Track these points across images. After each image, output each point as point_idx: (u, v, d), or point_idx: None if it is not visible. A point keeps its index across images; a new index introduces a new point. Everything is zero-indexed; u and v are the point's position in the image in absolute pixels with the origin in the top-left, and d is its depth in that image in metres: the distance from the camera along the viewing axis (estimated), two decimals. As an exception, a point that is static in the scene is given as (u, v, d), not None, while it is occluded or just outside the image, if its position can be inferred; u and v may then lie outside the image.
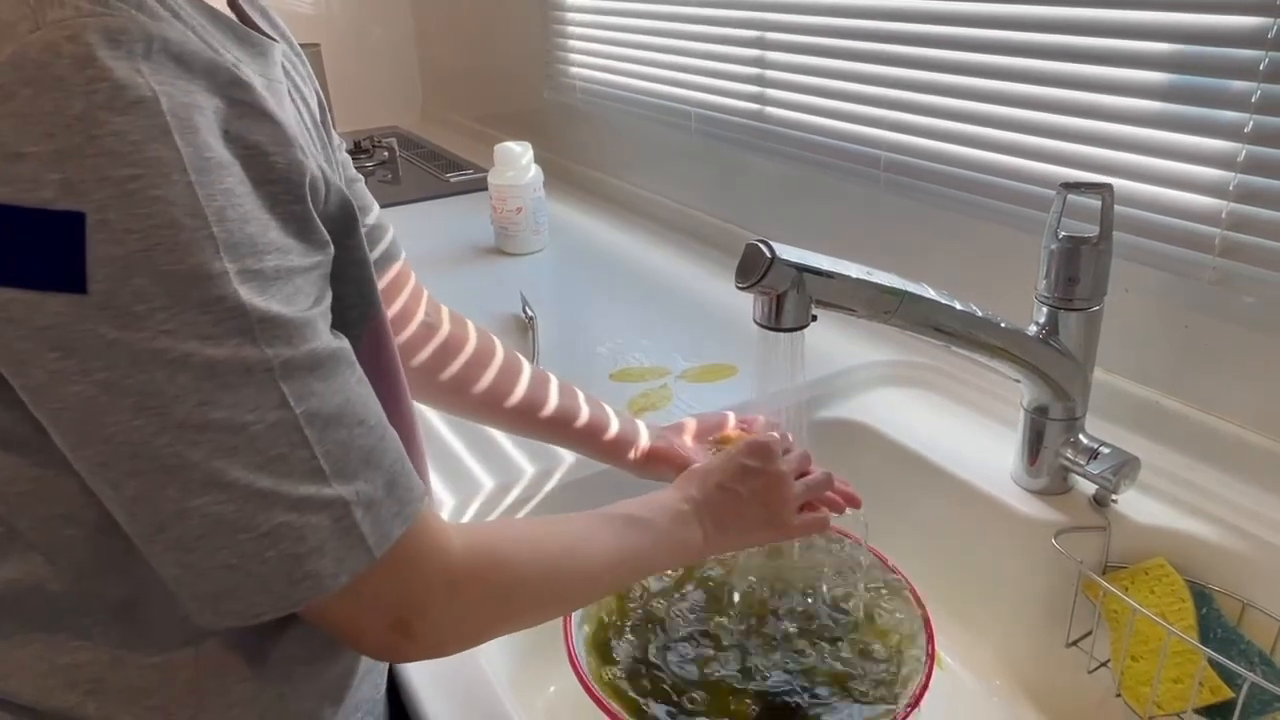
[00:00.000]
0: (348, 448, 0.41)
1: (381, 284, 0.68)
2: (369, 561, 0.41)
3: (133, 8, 0.36)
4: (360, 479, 0.41)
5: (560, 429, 0.74)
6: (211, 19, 0.42)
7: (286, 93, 0.49)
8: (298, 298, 0.40)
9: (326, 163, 0.54)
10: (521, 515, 0.79)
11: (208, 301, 0.36)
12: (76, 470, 0.39)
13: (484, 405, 0.74)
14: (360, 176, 0.67)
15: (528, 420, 0.74)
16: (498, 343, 0.76)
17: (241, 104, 0.39)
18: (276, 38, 0.50)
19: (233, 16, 0.45)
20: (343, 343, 0.43)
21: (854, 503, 0.71)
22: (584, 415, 0.74)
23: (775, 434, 0.67)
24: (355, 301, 0.47)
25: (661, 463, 0.74)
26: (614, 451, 0.74)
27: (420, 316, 0.72)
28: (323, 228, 0.43)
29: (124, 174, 0.35)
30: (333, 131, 0.59)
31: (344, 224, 0.46)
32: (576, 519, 0.56)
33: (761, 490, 0.62)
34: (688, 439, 0.77)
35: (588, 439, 0.74)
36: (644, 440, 0.75)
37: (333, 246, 0.44)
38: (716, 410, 0.84)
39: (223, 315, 0.37)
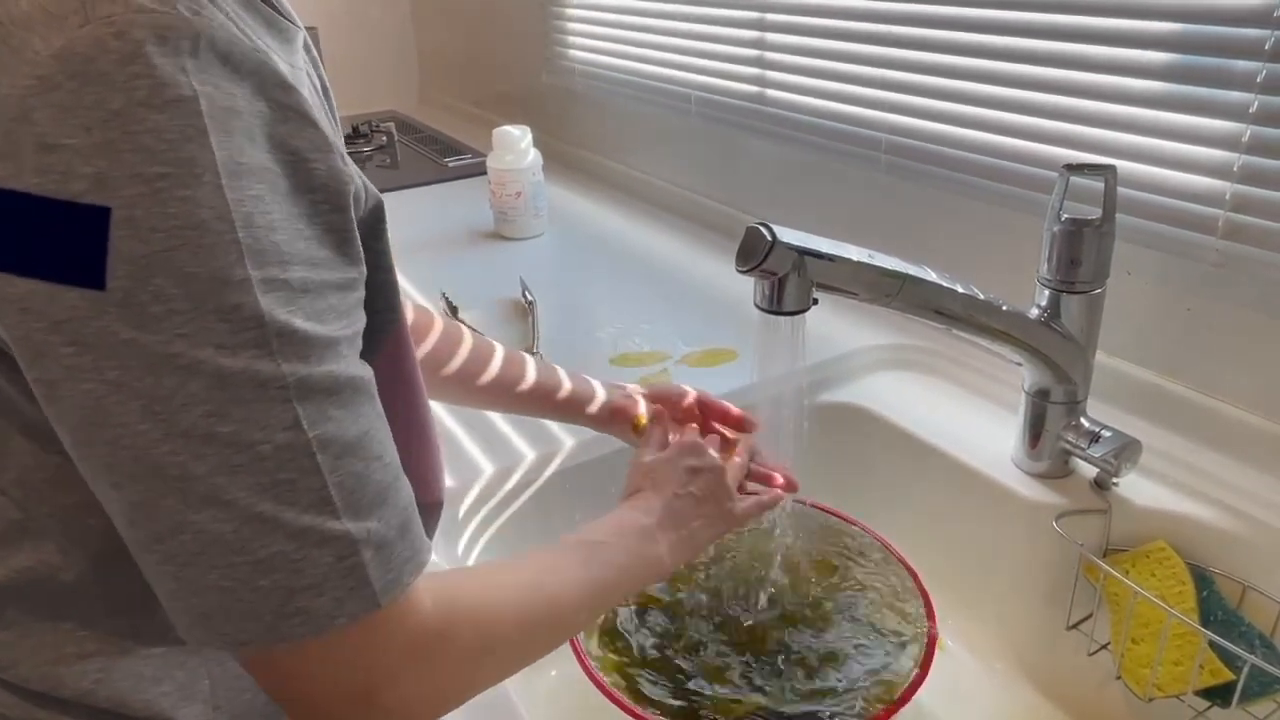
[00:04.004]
0: (363, 481, 0.39)
1: None
2: (372, 608, 0.39)
3: (180, 1, 0.35)
4: (374, 517, 0.39)
5: (505, 395, 0.74)
6: (245, 5, 0.41)
7: (307, 78, 0.48)
8: (326, 315, 0.39)
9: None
10: (522, 500, 0.79)
11: (226, 309, 0.35)
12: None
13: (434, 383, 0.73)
14: (360, 171, 0.67)
15: (468, 390, 0.74)
16: (434, 313, 0.76)
17: (286, 108, 0.38)
18: (300, 23, 0.50)
19: (262, 2, 0.44)
20: (367, 373, 0.41)
21: (791, 486, 0.70)
22: (529, 379, 0.74)
23: (694, 427, 0.68)
24: (381, 307, 0.46)
25: (621, 421, 0.74)
26: (570, 409, 0.74)
27: None
28: (359, 243, 0.41)
29: (155, 171, 0.34)
30: (336, 118, 0.59)
31: (374, 227, 0.45)
32: (544, 559, 0.53)
33: (709, 488, 0.62)
34: (638, 396, 0.76)
35: (538, 401, 0.74)
36: (600, 396, 0.74)
37: (364, 266, 0.42)
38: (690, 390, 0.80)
39: (240, 324, 0.36)
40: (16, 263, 0.35)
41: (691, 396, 0.75)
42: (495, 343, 0.76)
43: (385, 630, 0.40)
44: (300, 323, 0.37)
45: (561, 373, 0.75)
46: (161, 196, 0.34)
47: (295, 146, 0.38)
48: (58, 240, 0.34)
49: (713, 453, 0.64)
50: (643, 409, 0.74)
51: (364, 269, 0.42)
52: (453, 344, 0.74)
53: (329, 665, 0.40)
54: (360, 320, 0.42)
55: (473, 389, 0.74)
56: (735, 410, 0.75)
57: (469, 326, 0.78)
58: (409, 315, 0.73)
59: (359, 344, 0.42)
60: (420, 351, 0.72)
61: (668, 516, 0.60)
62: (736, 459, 0.67)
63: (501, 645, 0.47)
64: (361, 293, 0.42)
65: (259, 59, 0.37)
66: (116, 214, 0.34)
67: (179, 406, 0.36)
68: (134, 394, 0.35)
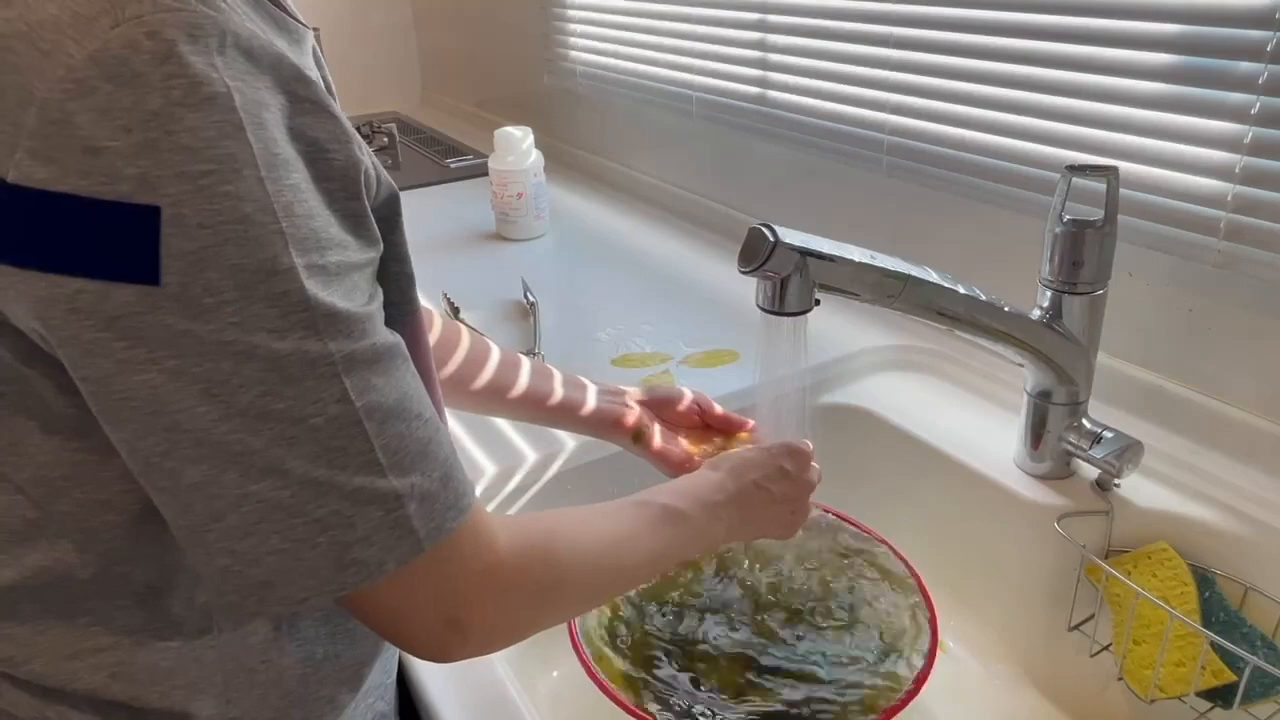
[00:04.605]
0: (405, 440, 0.41)
1: None
2: (417, 552, 0.42)
3: (199, 1, 0.36)
4: (416, 472, 0.42)
5: (496, 400, 0.74)
6: (255, 6, 0.42)
7: (317, 79, 0.49)
8: (355, 293, 0.41)
9: None
10: (523, 502, 0.79)
11: (275, 296, 0.37)
12: (125, 461, 0.40)
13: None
14: (377, 162, 0.67)
15: (462, 394, 0.74)
16: (435, 314, 0.76)
17: (304, 100, 0.39)
18: (308, 25, 0.50)
19: (271, 3, 0.45)
20: (397, 338, 0.43)
21: None
22: (521, 385, 0.74)
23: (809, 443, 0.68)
24: (396, 299, 0.47)
25: (611, 428, 0.74)
26: (562, 415, 0.74)
27: None
28: (374, 225, 0.43)
29: (198, 169, 0.35)
30: None
31: (389, 219, 0.46)
32: (618, 512, 0.56)
33: (791, 496, 0.64)
34: (633, 402, 0.76)
35: (529, 407, 0.74)
36: (591, 403, 0.74)
37: (382, 243, 0.44)
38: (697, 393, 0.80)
39: (289, 309, 0.37)
40: (64, 263, 0.36)
41: (689, 399, 0.75)
42: (493, 345, 0.76)
43: (457, 565, 0.44)
44: (341, 302, 0.39)
45: (557, 378, 0.75)
46: (206, 193, 0.36)
47: (314, 137, 0.39)
48: (108, 239, 0.35)
49: (814, 471, 0.66)
50: (633, 417, 0.74)
51: (380, 248, 0.44)
52: (450, 346, 0.74)
53: (411, 598, 0.43)
54: (380, 293, 0.44)
55: (466, 393, 0.74)
56: (735, 417, 0.75)
57: (470, 327, 0.78)
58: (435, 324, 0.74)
59: (383, 313, 0.44)
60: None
61: (738, 498, 0.61)
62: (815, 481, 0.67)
63: (569, 586, 0.51)
64: (376, 267, 0.44)
65: (276, 52, 0.38)
66: (166, 212, 0.35)
67: (237, 388, 0.37)
68: (193, 379, 0.37)
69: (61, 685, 0.47)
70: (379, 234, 0.44)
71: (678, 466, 0.72)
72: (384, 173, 0.46)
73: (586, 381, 0.76)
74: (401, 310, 0.48)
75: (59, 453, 0.42)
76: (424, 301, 0.78)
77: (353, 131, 0.41)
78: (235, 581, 0.40)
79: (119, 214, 0.35)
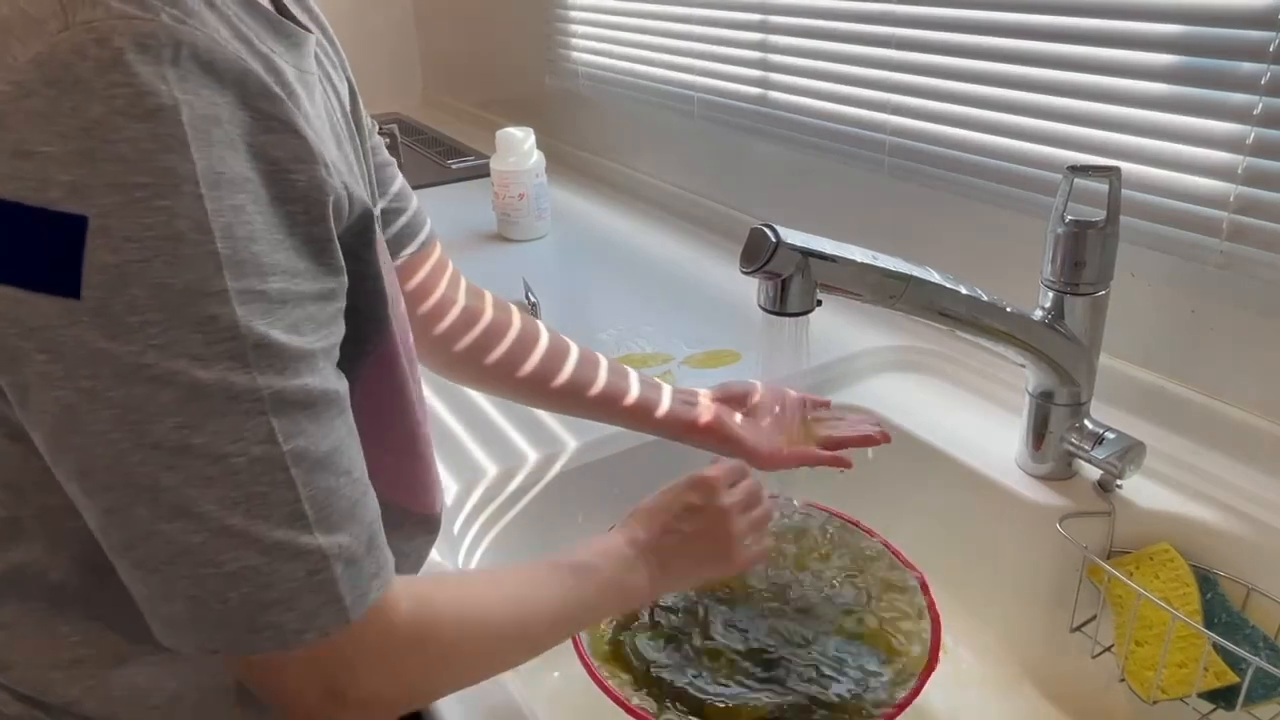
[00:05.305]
0: (334, 495, 0.39)
1: (400, 260, 0.67)
2: (342, 623, 0.39)
3: (164, 7, 0.35)
4: (344, 531, 0.39)
5: (574, 399, 0.73)
6: (248, 9, 0.41)
7: (318, 82, 0.48)
8: (304, 326, 0.39)
9: (355, 158, 0.53)
10: (525, 502, 0.79)
11: (202, 320, 0.35)
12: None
13: (495, 375, 0.73)
14: (392, 160, 0.66)
15: (539, 391, 0.73)
16: (515, 312, 0.75)
17: (269, 117, 0.37)
18: (311, 27, 0.49)
19: (268, 6, 0.44)
20: (341, 386, 0.41)
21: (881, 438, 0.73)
22: (600, 383, 0.73)
23: (732, 464, 0.65)
24: (369, 316, 0.46)
25: (685, 430, 0.73)
26: (636, 417, 0.73)
27: (441, 291, 0.72)
28: (340, 253, 0.41)
29: (132, 181, 0.34)
30: (364, 117, 0.58)
31: (362, 235, 0.45)
32: (523, 573, 0.53)
33: (707, 528, 0.60)
34: (706, 401, 0.74)
35: (604, 407, 0.73)
36: (665, 404, 0.73)
37: (346, 275, 0.42)
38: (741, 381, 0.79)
39: (215, 335, 0.35)
40: None
41: (759, 391, 0.74)
42: (572, 343, 0.75)
43: (356, 636, 0.41)
44: (278, 334, 0.37)
45: (633, 377, 0.74)
46: (139, 207, 0.34)
47: (276, 157, 0.38)
48: (33, 247, 0.34)
49: (727, 495, 0.62)
50: (708, 415, 0.72)
51: (344, 279, 0.42)
52: (528, 346, 0.73)
53: (301, 669, 0.41)
54: (339, 331, 0.42)
55: (546, 391, 0.73)
56: (814, 397, 0.74)
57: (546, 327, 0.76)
58: (488, 310, 0.73)
59: (335, 355, 0.42)
60: (495, 353, 0.72)
61: (650, 547, 0.58)
62: (757, 508, 0.64)
63: (471, 654, 0.48)
64: (342, 303, 0.42)
65: (242, 67, 0.37)
66: (93, 223, 0.34)
67: (150, 416, 0.35)
68: (106, 403, 0.35)
69: (38, 695, 0.46)
70: (343, 264, 0.42)
71: (768, 460, 0.71)
72: (357, 191, 0.44)
73: (661, 383, 0.75)
74: (374, 328, 0.47)
75: (25, 458, 0.41)
76: (482, 286, 0.77)
77: (321, 152, 0.39)
78: (151, 609, 0.39)
79: (45, 221, 0.34)
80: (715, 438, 0.72)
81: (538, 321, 0.75)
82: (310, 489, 0.38)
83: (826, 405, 0.77)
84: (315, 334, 0.39)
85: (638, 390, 0.73)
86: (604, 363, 0.74)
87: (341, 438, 0.40)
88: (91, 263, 0.34)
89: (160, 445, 0.36)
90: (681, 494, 0.61)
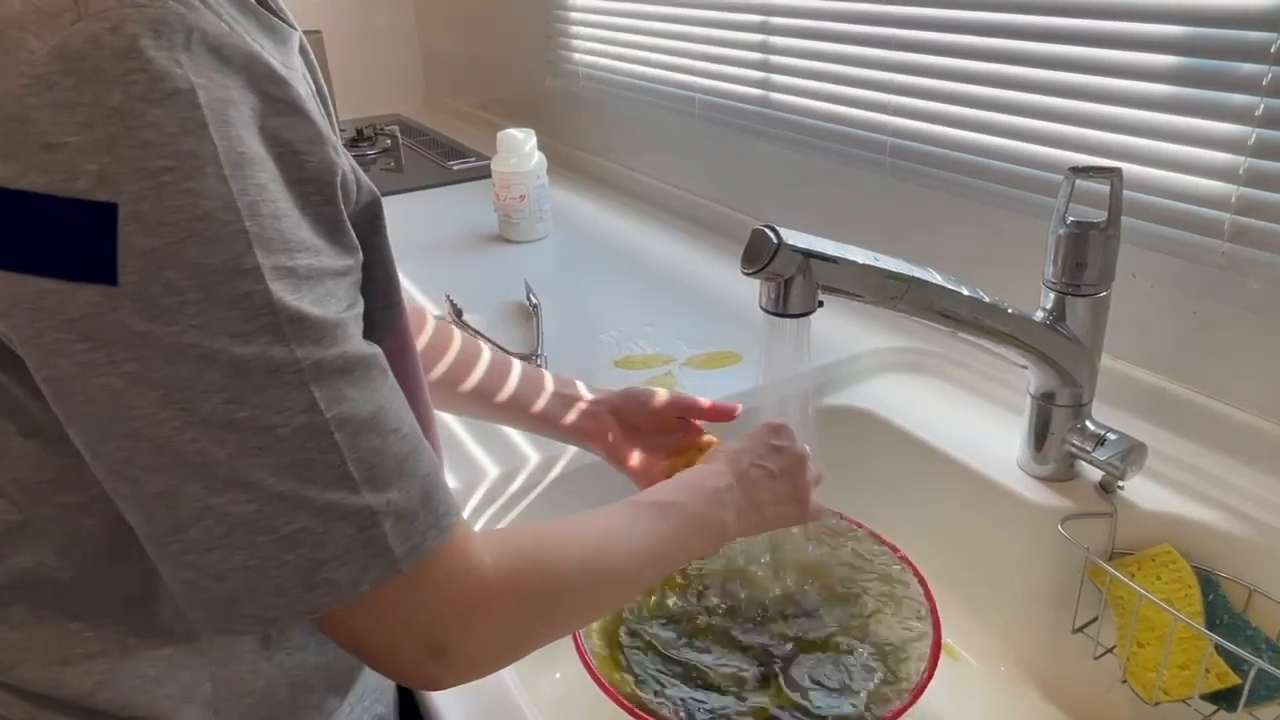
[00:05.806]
0: (381, 455, 0.40)
1: None
2: (393, 573, 0.40)
3: None
4: (393, 488, 0.40)
5: (485, 405, 0.74)
6: (238, 5, 0.42)
7: (303, 79, 0.48)
8: (329, 300, 0.39)
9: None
10: (526, 504, 0.79)
11: (238, 297, 0.36)
12: (90, 466, 0.39)
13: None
14: (358, 166, 0.67)
15: (449, 396, 0.74)
16: (427, 315, 0.75)
17: (277, 100, 0.38)
18: (296, 25, 0.50)
19: (255, 3, 0.45)
20: (375, 349, 0.42)
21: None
22: (507, 392, 0.74)
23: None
24: (380, 303, 0.46)
25: (585, 439, 0.74)
26: (543, 425, 0.74)
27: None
28: (352, 233, 0.42)
29: (158, 165, 0.34)
30: (334, 122, 0.58)
31: (371, 223, 0.45)
32: (611, 515, 0.54)
33: (789, 468, 0.63)
34: (585, 405, 0.75)
35: (513, 412, 0.74)
36: (569, 417, 0.74)
37: (361, 251, 0.43)
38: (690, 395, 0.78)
39: (252, 312, 0.36)
40: (26, 262, 0.35)
41: (662, 397, 0.74)
42: (485, 349, 0.76)
43: (441, 587, 0.42)
44: (309, 307, 0.38)
45: (547, 386, 0.74)
46: (166, 190, 0.35)
47: (287, 139, 0.38)
48: (68, 238, 0.35)
49: (801, 443, 0.64)
50: (660, 401, 0.73)
51: (359, 256, 0.43)
52: (440, 348, 0.73)
53: (379, 624, 0.41)
54: (360, 302, 0.43)
55: (454, 396, 0.73)
56: (705, 401, 0.73)
57: (474, 330, 0.78)
58: (428, 328, 0.74)
59: (362, 324, 0.43)
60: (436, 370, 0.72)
61: (740, 483, 0.60)
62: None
63: (566, 598, 0.48)
64: (358, 277, 0.43)
65: (249, 51, 0.38)
66: (124, 209, 0.34)
67: (197, 395, 0.36)
68: (151, 385, 0.36)
69: (49, 691, 0.46)
70: (357, 242, 0.42)
71: (635, 471, 0.72)
72: (364, 176, 0.45)
73: (581, 389, 0.75)
74: (384, 315, 0.48)
75: (39, 456, 0.42)
76: (425, 303, 0.78)
77: (328, 134, 0.40)
78: (200, 596, 0.39)
79: (77, 211, 0.34)
80: (580, 438, 0.73)
81: (450, 326, 0.76)
82: (356, 451, 0.39)
83: (738, 413, 0.74)
84: (340, 304, 0.40)
85: (545, 401, 0.74)
86: (516, 369, 0.75)
87: (385, 396, 0.41)
88: (127, 248, 0.35)
89: (209, 421, 0.36)
90: (764, 435, 0.63)
